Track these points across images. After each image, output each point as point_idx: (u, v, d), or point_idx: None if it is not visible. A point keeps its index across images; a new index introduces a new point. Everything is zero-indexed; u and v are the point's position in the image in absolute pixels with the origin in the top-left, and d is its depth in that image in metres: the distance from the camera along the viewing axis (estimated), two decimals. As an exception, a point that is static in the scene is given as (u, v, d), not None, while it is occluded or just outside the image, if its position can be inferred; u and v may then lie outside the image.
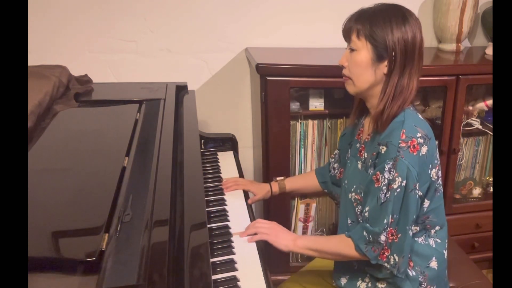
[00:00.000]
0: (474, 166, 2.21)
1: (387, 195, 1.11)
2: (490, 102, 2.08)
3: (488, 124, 2.12)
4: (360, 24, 1.15)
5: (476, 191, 2.20)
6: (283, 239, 1.23)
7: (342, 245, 1.19)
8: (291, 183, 1.53)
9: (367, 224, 1.14)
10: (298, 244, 1.22)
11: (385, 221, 1.11)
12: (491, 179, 2.22)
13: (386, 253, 1.14)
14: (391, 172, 1.10)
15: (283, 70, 1.76)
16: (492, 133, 2.12)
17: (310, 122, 1.96)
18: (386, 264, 1.15)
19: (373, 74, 1.16)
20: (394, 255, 1.14)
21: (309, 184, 1.54)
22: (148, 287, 0.78)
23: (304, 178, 1.59)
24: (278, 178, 1.53)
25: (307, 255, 1.25)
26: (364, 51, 1.15)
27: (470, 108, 2.10)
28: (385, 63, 1.14)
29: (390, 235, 1.13)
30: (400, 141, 1.11)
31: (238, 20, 2.03)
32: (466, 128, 2.06)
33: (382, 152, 1.13)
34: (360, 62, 1.16)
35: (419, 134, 1.12)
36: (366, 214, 1.16)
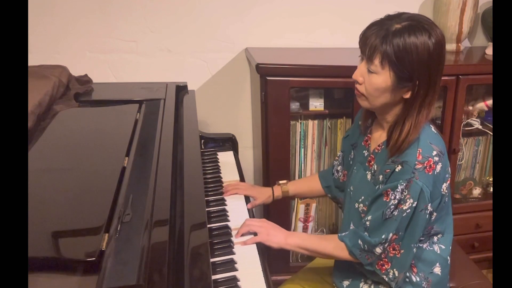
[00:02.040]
0: (474, 166, 2.21)
1: (394, 213, 1.09)
2: (490, 102, 2.08)
3: (488, 124, 2.12)
4: (386, 46, 1.04)
5: (476, 191, 2.20)
6: (274, 236, 1.22)
7: (335, 249, 1.20)
8: (294, 187, 1.50)
9: (365, 233, 1.14)
10: (289, 242, 1.22)
11: (383, 236, 1.11)
12: (491, 179, 2.22)
13: (386, 266, 1.14)
14: (403, 193, 1.08)
15: (283, 70, 1.76)
16: (492, 133, 2.12)
17: (310, 122, 1.96)
18: (384, 276, 1.15)
19: (391, 97, 1.10)
20: (395, 269, 1.14)
21: (313, 189, 1.51)
22: (148, 287, 0.78)
23: (307, 182, 1.55)
24: (281, 182, 1.50)
25: (298, 252, 1.24)
26: (384, 77, 1.07)
27: (470, 108, 2.10)
28: (406, 90, 1.09)
29: (392, 249, 1.12)
30: (416, 162, 1.07)
31: (238, 20, 2.03)
32: (466, 128, 2.06)
33: (397, 170, 1.10)
34: (379, 87, 1.09)
35: (434, 152, 1.09)
36: (367, 223, 1.14)
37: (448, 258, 1.26)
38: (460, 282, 1.42)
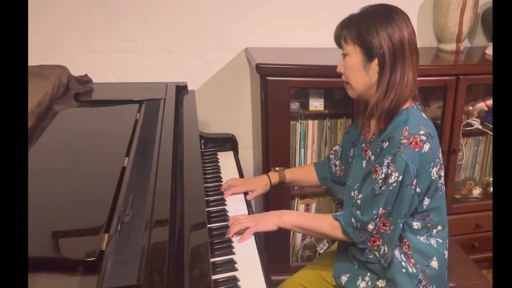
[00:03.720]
0: (474, 166, 2.21)
1: (382, 188, 1.14)
2: (490, 102, 2.08)
3: (488, 124, 2.12)
4: (346, 29, 1.19)
5: (476, 191, 2.20)
6: (269, 220, 1.25)
7: (330, 228, 1.23)
8: (291, 174, 1.54)
9: (358, 212, 1.18)
10: (284, 221, 1.26)
11: (374, 211, 1.15)
12: (491, 179, 2.22)
13: (377, 242, 1.18)
14: (390, 167, 1.12)
15: (283, 70, 1.76)
16: (492, 133, 2.12)
17: (310, 122, 1.96)
18: (376, 252, 1.19)
19: (366, 75, 1.19)
20: (385, 245, 1.17)
21: (309, 178, 1.55)
22: (148, 287, 0.78)
23: (303, 171, 1.59)
24: (277, 168, 1.54)
25: (293, 231, 1.26)
26: (354, 54, 1.19)
27: (470, 108, 2.10)
28: (376, 61, 1.16)
29: (382, 225, 1.16)
30: (402, 137, 1.12)
31: (238, 20, 2.03)
32: (466, 128, 2.06)
33: (385, 147, 1.15)
34: (353, 66, 1.19)
35: (422, 132, 1.14)
36: (358, 201, 1.18)
37: (445, 253, 1.27)
38: (460, 282, 1.42)
